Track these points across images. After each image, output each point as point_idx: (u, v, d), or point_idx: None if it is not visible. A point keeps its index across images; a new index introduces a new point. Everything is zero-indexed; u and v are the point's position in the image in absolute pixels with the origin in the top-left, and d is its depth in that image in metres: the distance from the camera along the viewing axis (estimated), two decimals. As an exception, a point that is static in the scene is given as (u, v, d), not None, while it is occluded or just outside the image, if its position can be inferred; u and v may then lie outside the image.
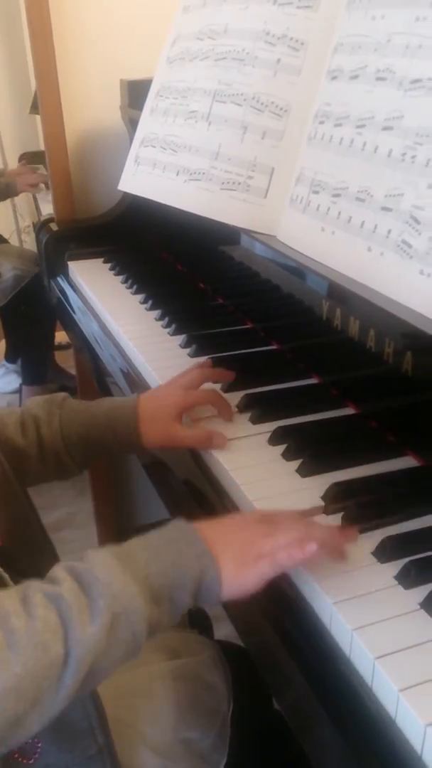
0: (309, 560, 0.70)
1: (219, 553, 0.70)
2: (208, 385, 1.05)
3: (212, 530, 0.73)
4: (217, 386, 1.08)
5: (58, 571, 0.67)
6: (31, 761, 0.78)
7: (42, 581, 0.66)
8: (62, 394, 1.03)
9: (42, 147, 2.32)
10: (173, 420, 0.97)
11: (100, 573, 0.66)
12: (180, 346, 1.27)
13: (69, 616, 0.62)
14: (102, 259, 1.75)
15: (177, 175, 1.05)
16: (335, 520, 0.79)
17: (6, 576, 0.79)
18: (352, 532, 0.75)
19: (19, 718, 0.59)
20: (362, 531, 0.77)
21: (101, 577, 0.65)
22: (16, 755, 0.78)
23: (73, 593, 0.64)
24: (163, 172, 1.08)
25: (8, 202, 3.73)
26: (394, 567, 0.72)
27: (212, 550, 0.70)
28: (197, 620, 1.17)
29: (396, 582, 0.70)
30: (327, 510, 0.81)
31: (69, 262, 1.75)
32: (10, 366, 3.47)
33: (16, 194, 3.44)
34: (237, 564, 0.70)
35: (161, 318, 1.38)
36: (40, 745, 0.78)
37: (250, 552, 0.70)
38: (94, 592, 0.64)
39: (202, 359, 1.19)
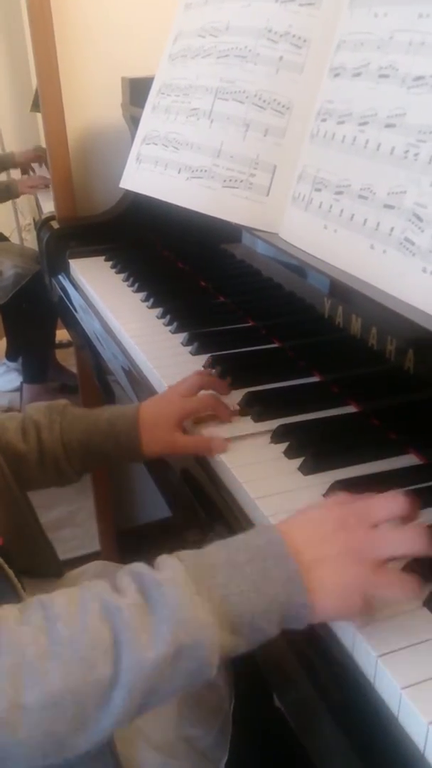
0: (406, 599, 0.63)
1: (311, 574, 0.62)
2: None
3: (303, 540, 0.63)
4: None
5: (125, 578, 0.61)
6: None
7: (106, 584, 0.61)
8: (63, 401, 1.03)
9: (43, 145, 2.32)
10: (173, 428, 0.98)
11: (170, 592, 0.59)
12: (181, 344, 1.27)
13: (125, 637, 0.56)
14: (103, 257, 1.75)
15: (179, 172, 1.05)
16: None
17: (9, 570, 0.79)
18: None
19: (60, 737, 0.55)
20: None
21: (170, 598, 0.58)
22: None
23: (135, 609, 0.58)
24: (164, 169, 1.08)
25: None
26: (397, 565, 0.71)
27: (304, 570, 0.62)
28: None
29: (398, 579, 0.70)
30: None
31: (70, 260, 1.75)
32: (11, 364, 3.47)
33: (17, 196, 3.44)
34: (332, 588, 0.62)
35: (163, 316, 1.38)
36: None
37: (348, 574, 0.62)
38: (159, 615, 0.57)
39: (204, 357, 1.19)
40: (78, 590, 0.61)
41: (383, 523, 0.65)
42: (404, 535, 0.64)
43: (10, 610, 0.59)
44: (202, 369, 1.12)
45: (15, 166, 3.42)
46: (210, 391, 1.03)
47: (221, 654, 0.59)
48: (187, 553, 0.63)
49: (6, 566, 0.80)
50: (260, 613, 0.60)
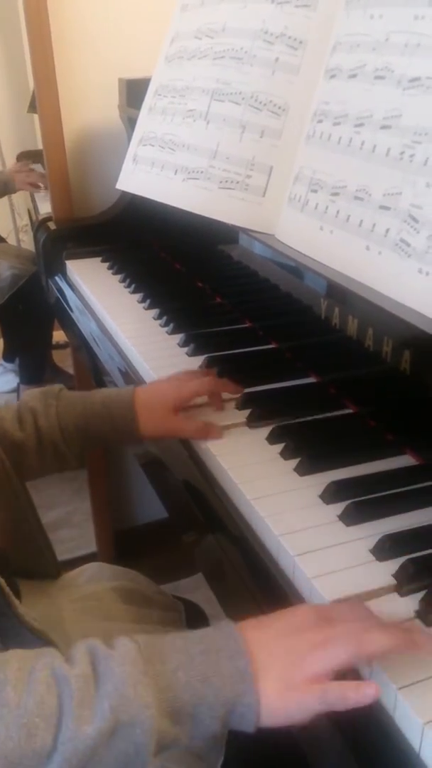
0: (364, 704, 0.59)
1: (261, 673, 0.60)
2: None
3: (259, 638, 0.62)
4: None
5: (80, 648, 0.61)
6: None
7: (60, 654, 0.61)
8: (58, 386, 1.03)
9: (40, 146, 2.31)
10: (170, 411, 0.99)
11: (117, 667, 0.58)
12: (178, 345, 1.27)
13: (69, 707, 0.56)
14: (100, 258, 1.75)
15: (175, 173, 1.05)
16: (333, 510, 0.79)
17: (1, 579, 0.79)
18: (427, 640, 0.62)
19: None
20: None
21: (116, 673, 0.58)
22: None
23: (82, 681, 0.57)
24: (161, 170, 1.08)
25: (6, 201, 3.72)
26: (393, 565, 0.72)
27: (254, 669, 0.60)
28: (195, 620, 1.17)
29: (394, 580, 0.70)
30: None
31: (67, 261, 1.75)
32: (8, 365, 3.47)
33: (14, 191, 3.43)
34: (280, 689, 0.59)
35: (159, 317, 1.38)
36: None
37: (297, 673, 0.60)
38: (103, 688, 0.57)
39: (201, 358, 1.19)
40: (31, 655, 0.60)
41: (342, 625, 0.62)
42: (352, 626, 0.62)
43: None
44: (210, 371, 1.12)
45: (15, 191, 3.41)
46: (209, 377, 1.04)
47: (158, 742, 0.58)
48: (144, 637, 0.62)
49: None
50: (204, 705, 0.58)
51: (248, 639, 0.62)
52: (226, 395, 1.04)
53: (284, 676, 0.60)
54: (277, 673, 0.60)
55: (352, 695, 0.58)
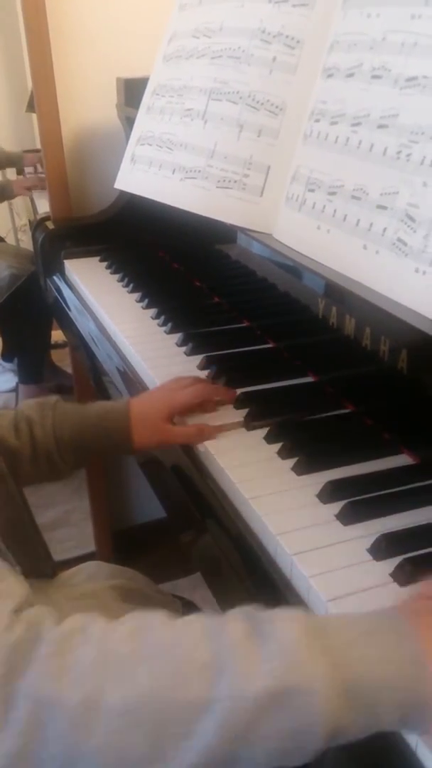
0: None
1: None
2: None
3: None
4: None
5: (229, 612, 0.54)
6: None
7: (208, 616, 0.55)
8: (55, 397, 1.04)
9: (38, 145, 2.32)
10: (163, 421, 0.99)
11: (284, 627, 0.51)
12: (176, 344, 1.27)
13: (227, 661, 0.49)
14: (98, 258, 1.75)
15: (173, 173, 1.05)
16: (330, 509, 0.79)
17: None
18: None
19: (127, 755, 0.48)
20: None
21: (284, 634, 0.51)
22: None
23: (241, 636, 0.51)
24: (159, 170, 1.08)
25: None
26: (390, 564, 0.72)
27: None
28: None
29: (392, 580, 0.70)
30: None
31: (65, 261, 1.75)
32: (7, 365, 3.47)
33: (12, 197, 3.44)
34: None
35: (157, 316, 1.38)
36: None
37: None
38: (269, 647, 0.50)
39: (199, 357, 1.19)
40: (172, 613, 0.55)
41: None
42: None
43: (99, 617, 0.54)
44: (205, 378, 1.12)
45: (13, 197, 3.42)
46: (202, 384, 1.04)
47: (331, 723, 0.49)
48: (300, 613, 0.55)
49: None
50: (384, 686, 0.50)
51: (421, 632, 0.53)
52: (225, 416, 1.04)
53: None
54: None
55: None
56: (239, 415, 1.01)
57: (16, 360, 3.32)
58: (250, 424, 0.99)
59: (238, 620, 0.52)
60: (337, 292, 1.00)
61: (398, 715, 0.51)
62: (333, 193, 0.81)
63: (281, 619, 0.52)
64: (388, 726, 0.51)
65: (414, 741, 0.57)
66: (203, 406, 1.01)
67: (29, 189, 3.29)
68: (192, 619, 0.53)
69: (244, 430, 0.99)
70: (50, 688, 0.48)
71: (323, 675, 0.49)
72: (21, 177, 3.38)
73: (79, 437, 0.99)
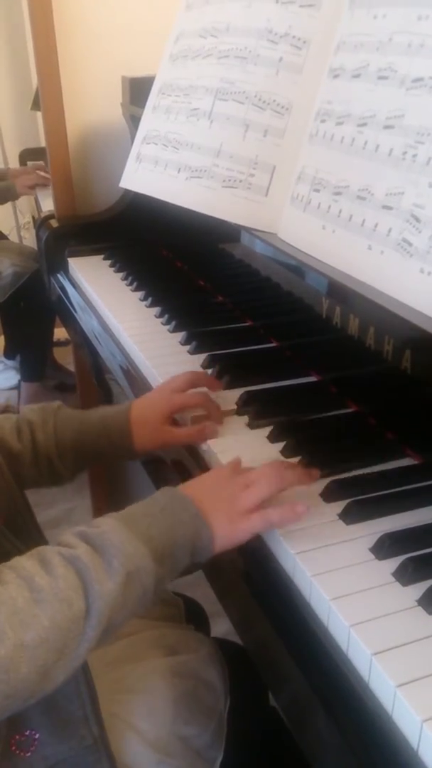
0: (297, 520, 0.77)
1: (209, 513, 0.77)
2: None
3: (198, 492, 0.79)
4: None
5: (69, 537, 0.72)
6: (28, 754, 0.79)
7: (57, 545, 0.72)
8: (57, 403, 1.04)
9: (43, 143, 2.32)
10: (163, 422, 0.99)
11: (112, 536, 0.71)
12: (180, 343, 1.27)
13: (88, 575, 0.68)
14: (102, 256, 1.75)
15: (179, 172, 1.05)
16: (334, 509, 0.80)
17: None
18: (315, 472, 0.85)
19: (47, 669, 0.64)
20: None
21: (113, 540, 0.71)
22: (14, 748, 0.78)
23: (89, 554, 0.69)
24: (164, 169, 1.08)
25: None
26: (392, 564, 0.72)
27: (203, 510, 0.77)
28: (194, 617, 1.17)
29: (394, 579, 0.70)
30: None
31: (69, 259, 1.75)
32: (9, 362, 3.47)
33: (16, 198, 3.45)
34: (227, 521, 0.77)
35: (161, 315, 1.38)
36: (37, 736, 0.79)
37: (237, 507, 0.78)
38: (108, 554, 0.70)
39: (202, 356, 1.19)
40: (34, 554, 0.70)
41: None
42: (262, 468, 0.82)
43: None
44: (196, 372, 1.13)
45: (17, 197, 3.42)
46: (202, 389, 1.04)
47: (155, 582, 0.73)
48: (110, 514, 0.76)
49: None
50: (176, 545, 0.74)
51: (189, 495, 0.78)
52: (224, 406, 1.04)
53: (227, 512, 0.77)
54: (221, 512, 0.77)
55: (289, 515, 0.77)
56: (243, 413, 1.01)
57: (18, 357, 3.33)
58: (253, 423, 0.99)
59: (80, 544, 0.70)
60: (340, 292, 1.00)
61: (189, 559, 0.76)
62: (338, 193, 0.81)
63: (107, 530, 0.72)
64: (186, 565, 0.76)
65: (416, 739, 0.57)
66: (207, 410, 1.01)
67: (32, 188, 3.29)
68: (50, 556, 0.69)
69: (247, 428, 0.99)
70: None
71: (145, 554, 0.72)
72: (24, 176, 3.38)
73: (80, 442, 1.00)
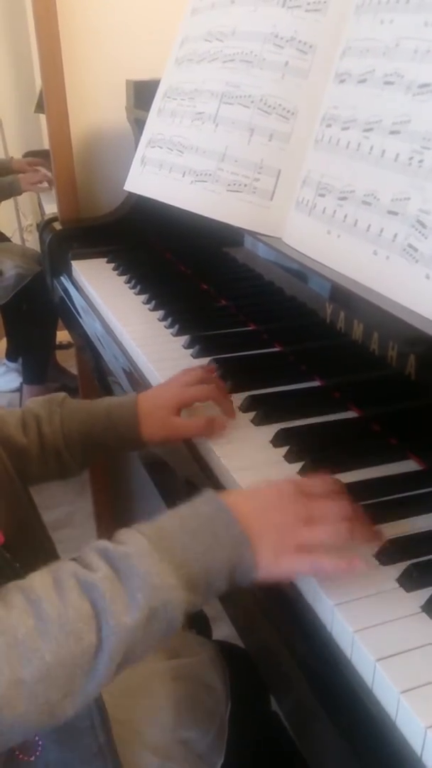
0: (350, 574, 0.69)
1: (256, 538, 0.68)
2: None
3: (248, 508, 0.70)
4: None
5: (92, 556, 0.66)
6: (32, 758, 0.78)
7: (76, 563, 0.65)
8: (62, 394, 1.04)
9: (46, 146, 2.32)
10: (171, 414, 0.99)
11: (138, 562, 0.64)
12: (183, 346, 1.27)
13: (103, 606, 0.61)
14: (105, 259, 1.75)
15: (183, 176, 1.05)
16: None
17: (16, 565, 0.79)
18: (381, 534, 0.75)
19: (51, 706, 0.59)
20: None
21: (139, 568, 0.64)
22: (17, 753, 0.78)
23: (108, 582, 0.63)
24: (169, 172, 1.08)
25: (10, 200, 3.73)
26: (396, 570, 0.72)
27: (249, 534, 0.68)
28: (196, 620, 1.17)
29: (398, 585, 0.70)
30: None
31: (72, 262, 1.76)
32: (11, 365, 3.47)
33: (20, 193, 3.45)
34: (275, 552, 0.68)
35: (164, 318, 1.38)
36: (41, 742, 0.78)
37: (289, 541, 0.69)
38: (131, 584, 0.63)
39: (206, 360, 1.19)
40: (50, 572, 0.64)
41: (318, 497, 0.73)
42: (332, 504, 0.73)
43: None
44: (206, 365, 1.13)
45: (21, 193, 3.42)
46: (211, 386, 1.04)
47: (184, 611, 0.65)
48: (144, 526, 0.69)
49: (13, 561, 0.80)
50: (214, 572, 0.67)
51: (238, 512, 0.69)
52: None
53: (276, 542, 0.68)
54: (269, 540, 0.68)
55: (344, 567, 0.68)
56: (246, 417, 1.01)
57: (20, 360, 3.33)
58: (256, 426, 0.99)
59: (101, 567, 0.63)
60: (344, 297, 1.00)
61: (227, 586, 0.68)
62: (344, 198, 0.81)
63: (132, 551, 0.65)
64: (224, 589, 0.68)
65: (420, 745, 0.57)
66: (218, 403, 1.01)
67: (35, 184, 3.29)
68: (65, 578, 0.63)
69: (251, 432, 0.99)
70: None
71: (174, 586, 0.64)
72: (28, 173, 3.38)
73: (88, 433, 0.99)
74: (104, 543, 0.67)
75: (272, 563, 0.68)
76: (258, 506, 0.72)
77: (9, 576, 0.67)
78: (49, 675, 0.58)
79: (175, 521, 0.69)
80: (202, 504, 0.70)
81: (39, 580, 0.63)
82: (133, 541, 0.67)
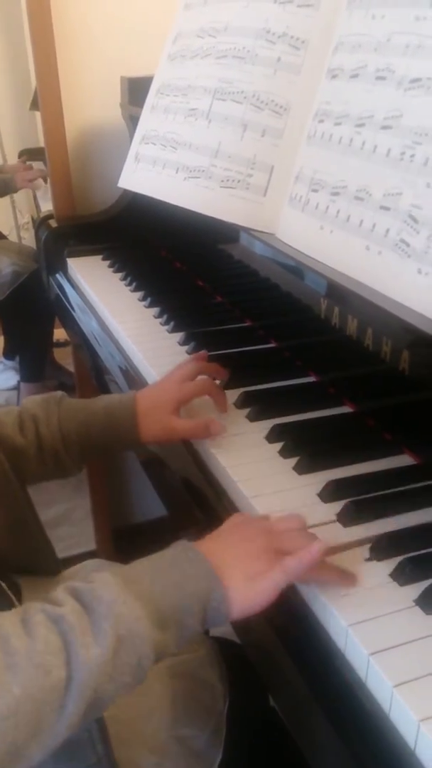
0: (317, 561, 0.69)
1: (224, 571, 0.67)
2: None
3: (214, 547, 0.70)
4: (216, 382, 1.08)
5: (59, 592, 0.65)
6: None
7: (43, 602, 0.64)
8: (59, 393, 1.03)
9: (42, 143, 2.32)
10: (170, 414, 0.98)
11: (103, 592, 0.64)
12: (178, 343, 1.27)
13: (71, 638, 0.60)
14: (101, 256, 1.75)
15: (177, 172, 1.05)
16: (331, 509, 0.80)
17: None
18: (353, 578, 0.71)
19: (18, 747, 0.57)
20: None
21: (104, 597, 0.63)
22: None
23: (75, 614, 0.62)
24: (162, 169, 1.08)
25: (7, 198, 3.73)
26: (390, 564, 0.72)
27: (217, 569, 0.67)
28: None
29: (391, 579, 0.71)
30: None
31: (68, 259, 1.75)
32: (8, 363, 3.47)
33: (15, 191, 3.44)
34: (245, 579, 0.67)
35: (160, 315, 1.38)
36: None
37: (257, 566, 0.68)
38: (97, 613, 0.62)
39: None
40: (18, 612, 0.63)
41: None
42: (298, 534, 0.73)
43: None
44: (199, 354, 1.13)
45: (16, 190, 3.42)
46: (206, 377, 1.04)
47: (155, 650, 0.63)
48: (111, 565, 0.70)
49: None
50: (182, 607, 0.65)
51: (205, 550, 0.69)
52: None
53: (245, 571, 0.68)
54: (237, 570, 0.68)
55: (306, 556, 0.68)
56: (241, 414, 1.01)
57: (17, 358, 3.33)
58: (251, 423, 0.99)
59: (68, 602, 0.63)
60: (339, 293, 1.00)
61: (200, 625, 0.66)
62: (336, 194, 0.81)
63: (99, 585, 0.64)
64: (197, 632, 0.67)
65: (413, 739, 0.57)
66: (214, 398, 1.01)
67: (31, 180, 3.29)
68: (33, 613, 0.62)
69: (246, 428, 0.99)
70: None
71: (140, 617, 0.63)
72: (23, 171, 3.37)
73: (86, 434, 0.99)
74: (72, 582, 0.66)
75: (247, 589, 0.67)
76: (224, 541, 0.72)
77: None
78: (18, 711, 0.56)
79: (143, 562, 0.69)
80: (170, 548, 0.70)
81: (7, 618, 0.62)
82: (100, 578, 0.66)
